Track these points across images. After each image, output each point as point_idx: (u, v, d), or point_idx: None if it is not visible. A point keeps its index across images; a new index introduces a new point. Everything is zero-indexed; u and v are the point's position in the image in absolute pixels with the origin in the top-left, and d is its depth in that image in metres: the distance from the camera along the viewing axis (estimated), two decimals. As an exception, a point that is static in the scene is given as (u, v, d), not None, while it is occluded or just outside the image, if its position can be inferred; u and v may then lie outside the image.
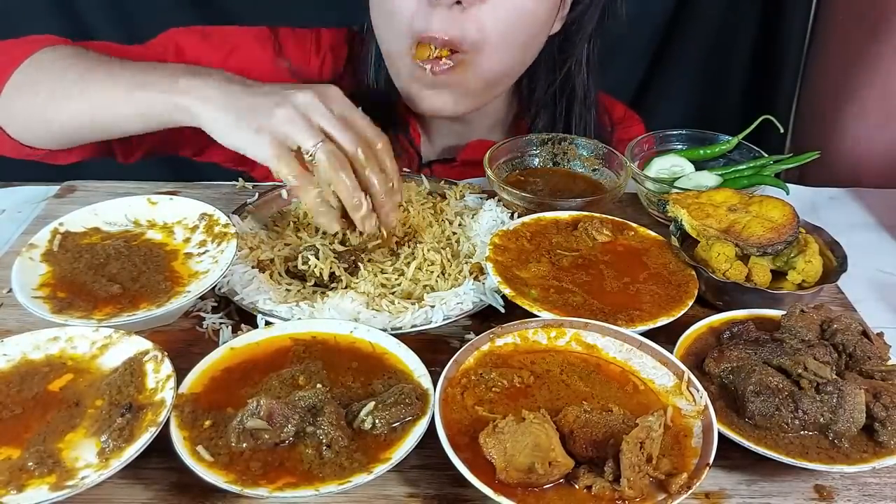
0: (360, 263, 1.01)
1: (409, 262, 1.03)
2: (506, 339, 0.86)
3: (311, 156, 0.95)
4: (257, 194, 1.19)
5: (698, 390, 0.79)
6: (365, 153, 0.97)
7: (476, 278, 1.01)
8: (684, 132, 1.31)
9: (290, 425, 0.73)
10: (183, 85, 1.02)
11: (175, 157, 1.43)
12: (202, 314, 0.97)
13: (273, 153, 0.95)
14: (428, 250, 1.04)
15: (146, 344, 0.83)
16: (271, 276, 1.01)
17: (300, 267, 1.01)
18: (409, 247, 1.06)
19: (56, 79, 1.12)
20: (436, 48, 1.15)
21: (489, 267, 0.97)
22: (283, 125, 0.95)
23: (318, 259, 1.00)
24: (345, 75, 1.39)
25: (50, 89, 1.12)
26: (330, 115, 0.97)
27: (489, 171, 1.17)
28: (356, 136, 0.97)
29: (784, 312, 0.90)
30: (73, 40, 1.25)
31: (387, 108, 1.35)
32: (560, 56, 1.35)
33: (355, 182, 0.96)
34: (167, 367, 0.79)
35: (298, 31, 1.41)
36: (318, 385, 0.78)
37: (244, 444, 0.73)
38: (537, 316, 0.90)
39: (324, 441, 0.73)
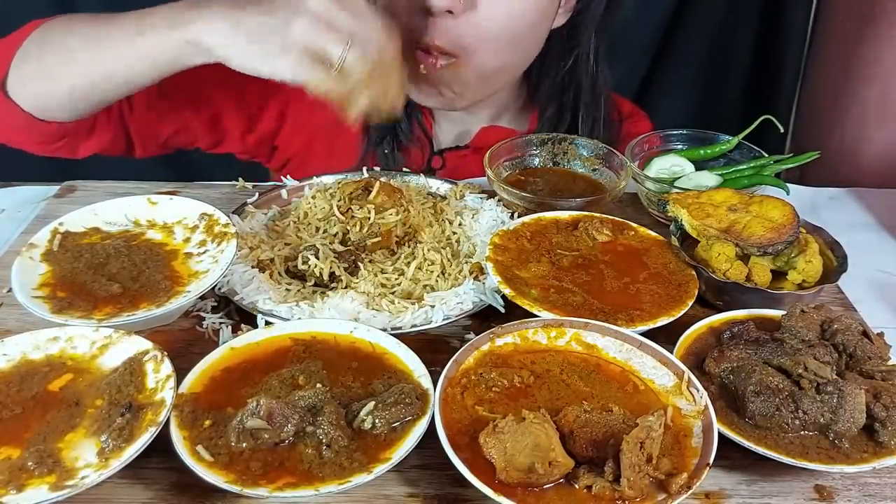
0: (360, 263, 1.01)
1: (409, 262, 1.03)
2: (506, 339, 0.86)
3: (341, 61, 0.95)
4: (257, 194, 1.19)
5: (698, 390, 0.79)
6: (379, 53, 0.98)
7: (476, 278, 1.01)
8: (684, 132, 1.31)
9: (289, 425, 0.73)
10: (186, 18, 0.99)
11: (175, 156, 1.43)
12: (202, 314, 0.96)
13: (306, 72, 0.95)
14: (428, 250, 1.04)
15: (146, 344, 0.83)
16: (271, 276, 1.01)
17: (300, 267, 1.01)
18: (408, 246, 1.06)
19: (60, 42, 1.11)
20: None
21: (489, 267, 0.97)
22: (307, 34, 0.94)
23: (318, 259, 1.00)
24: None
25: (56, 53, 1.10)
26: (345, 16, 0.96)
27: (489, 171, 1.17)
28: (374, 35, 0.97)
29: (784, 312, 0.90)
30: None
31: None
32: (565, 48, 1.36)
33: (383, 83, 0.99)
34: (167, 367, 0.79)
35: None
36: (318, 385, 0.78)
37: (244, 444, 0.73)
38: (537, 316, 0.90)
39: (324, 441, 0.72)
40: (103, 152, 1.25)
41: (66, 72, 1.10)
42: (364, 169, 1.23)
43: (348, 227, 1.05)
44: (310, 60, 0.95)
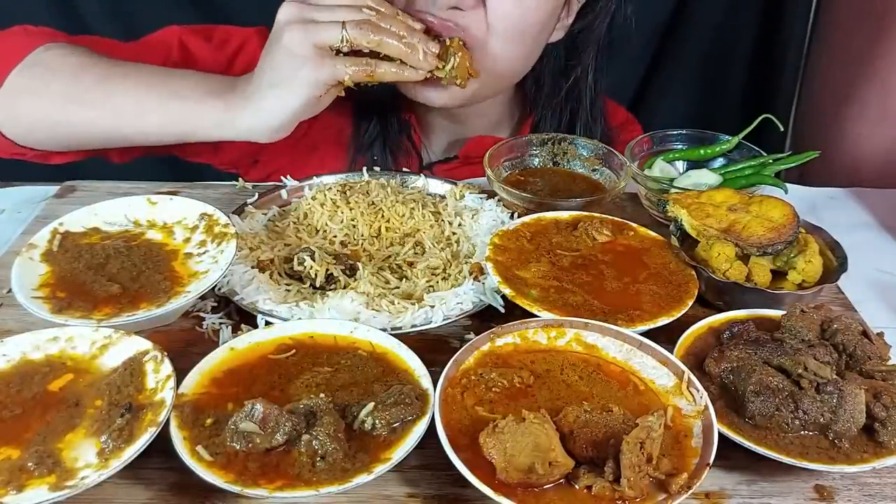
0: (358, 264, 1.01)
1: (410, 263, 1.03)
2: (506, 339, 0.86)
3: (346, 42, 0.99)
4: (257, 194, 1.19)
5: (698, 390, 0.79)
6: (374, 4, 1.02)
7: (476, 278, 1.01)
8: (684, 132, 1.31)
9: (280, 433, 0.73)
10: (222, 99, 1.06)
11: (175, 157, 1.43)
12: (202, 314, 0.96)
13: (332, 74, 1.01)
14: (429, 247, 1.05)
15: (146, 344, 0.83)
16: (271, 277, 1.01)
17: (296, 268, 1.01)
18: (409, 244, 1.06)
19: (70, 82, 1.10)
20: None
21: (489, 267, 0.97)
22: (299, 41, 0.99)
23: (314, 261, 1.00)
24: None
25: (63, 93, 1.10)
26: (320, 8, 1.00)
27: (489, 171, 1.17)
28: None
29: (784, 312, 0.90)
30: (69, 35, 1.23)
31: (389, 108, 1.36)
32: (568, 63, 1.36)
33: (398, 32, 1.02)
34: (167, 367, 0.79)
35: None
36: (321, 395, 0.77)
37: (237, 445, 0.73)
38: (537, 316, 0.90)
39: (318, 451, 0.72)
40: (77, 159, 1.25)
41: (70, 120, 1.11)
42: (364, 169, 1.23)
43: (355, 223, 1.06)
44: (328, 66, 1.01)
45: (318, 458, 0.72)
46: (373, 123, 1.36)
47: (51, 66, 1.13)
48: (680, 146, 1.30)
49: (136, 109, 1.09)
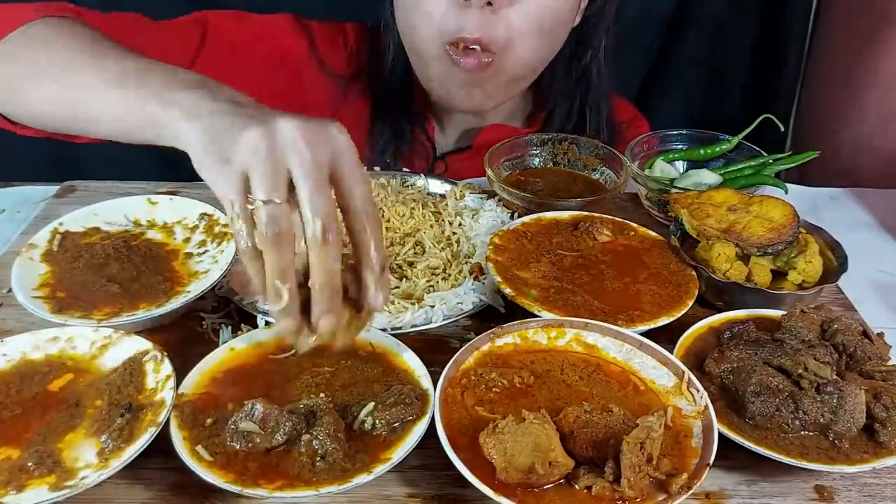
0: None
1: (410, 263, 1.03)
2: (506, 339, 0.86)
3: (253, 206, 0.68)
4: (257, 194, 1.18)
5: (698, 390, 0.79)
6: (327, 238, 0.69)
7: (476, 278, 1.01)
8: (684, 132, 1.31)
9: (280, 433, 0.73)
10: (168, 95, 0.78)
11: (175, 156, 1.42)
12: (202, 314, 0.96)
13: (229, 198, 0.70)
14: (429, 247, 1.04)
15: (146, 344, 0.83)
16: (271, 276, 1.00)
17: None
18: (409, 244, 1.06)
19: (41, 52, 0.98)
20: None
21: (489, 267, 0.97)
22: (245, 156, 0.69)
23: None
24: (367, 70, 1.39)
25: (32, 61, 0.98)
26: (310, 163, 0.69)
27: (489, 171, 1.17)
28: (330, 207, 0.69)
29: (784, 312, 0.90)
30: (102, 11, 1.14)
31: (405, 100, 1.37)
32: (579, 48, 1.36)
33: (289, 267, 0.70)
34: (167, 367, 0.79)
35: (326, 24, 1.41)
36: (322, 395, 0.77)
37: (237, 445, 0.73)
38: (537, 316, 0.90)
39: (318, 451, 0.72)
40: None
41: (33, 92, 0.98)
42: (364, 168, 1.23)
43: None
44: (240, 191, 0.70)
45: (318, 458, 0.71)
46: (388, 114, 1.36)
47: (31, 36, 1.00)
48: (680, 146, 1.30)
49: (85, 93, 0.90)
